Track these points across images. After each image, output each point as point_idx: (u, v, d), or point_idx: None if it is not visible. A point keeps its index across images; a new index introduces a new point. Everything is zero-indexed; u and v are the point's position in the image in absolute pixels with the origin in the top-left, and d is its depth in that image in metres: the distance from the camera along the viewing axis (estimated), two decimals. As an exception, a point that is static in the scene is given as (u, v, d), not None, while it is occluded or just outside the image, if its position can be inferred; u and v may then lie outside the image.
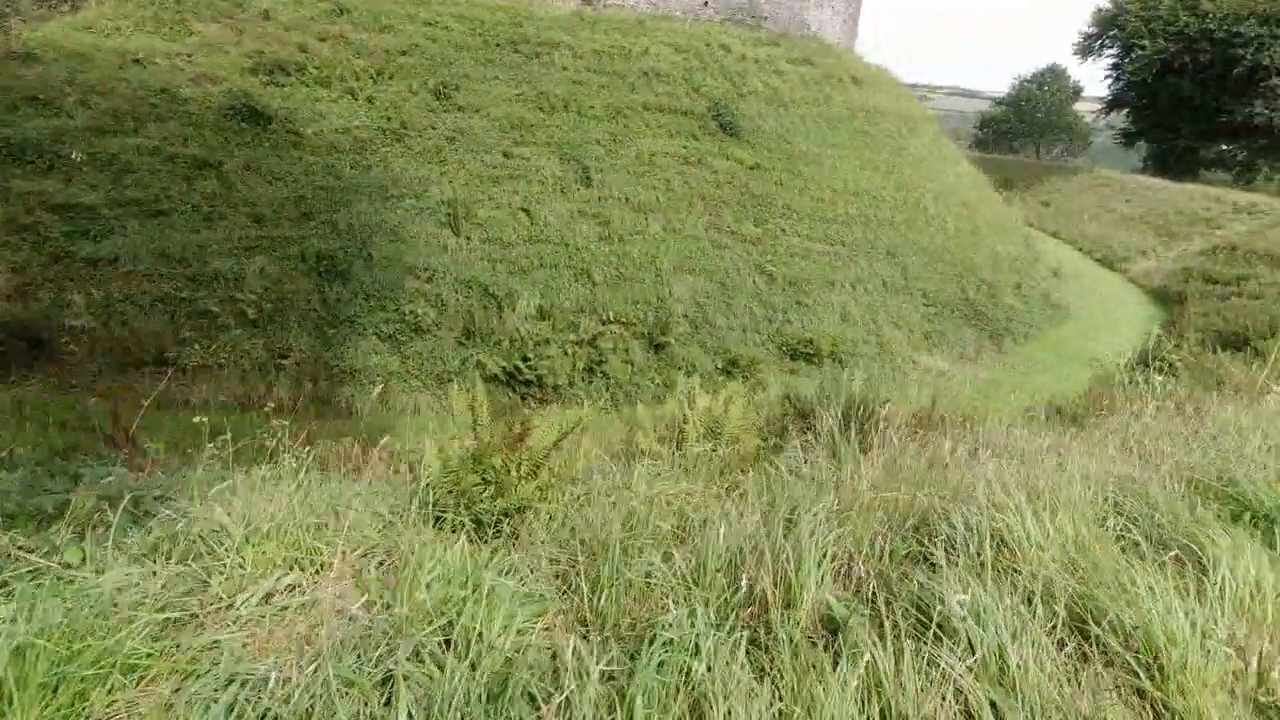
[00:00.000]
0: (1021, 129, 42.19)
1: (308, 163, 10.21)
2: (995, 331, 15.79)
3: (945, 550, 2.17)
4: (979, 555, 2.14)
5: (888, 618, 1.89)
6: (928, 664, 1.79)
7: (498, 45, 12.69)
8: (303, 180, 10.13)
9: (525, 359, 10.20)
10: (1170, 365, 12.76)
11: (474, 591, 1.89)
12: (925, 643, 1.83)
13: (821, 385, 5.31)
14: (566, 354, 10.78)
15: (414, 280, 10.40)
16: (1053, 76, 42.19)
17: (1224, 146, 32.06)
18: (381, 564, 2.13)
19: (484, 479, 2.97)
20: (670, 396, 4.54)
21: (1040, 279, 19.70)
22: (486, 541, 2.61)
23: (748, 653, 1.83)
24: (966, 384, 13.61)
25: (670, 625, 1.83)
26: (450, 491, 2.84)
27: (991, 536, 2.17)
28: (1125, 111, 34.59)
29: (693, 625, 1.84)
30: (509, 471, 2.95)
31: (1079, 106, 42.22)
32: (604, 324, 11.12)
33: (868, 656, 1.76)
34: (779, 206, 13.95)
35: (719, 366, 11.55)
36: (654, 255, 12.11)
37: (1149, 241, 26.85)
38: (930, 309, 14.98)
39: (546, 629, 1.95)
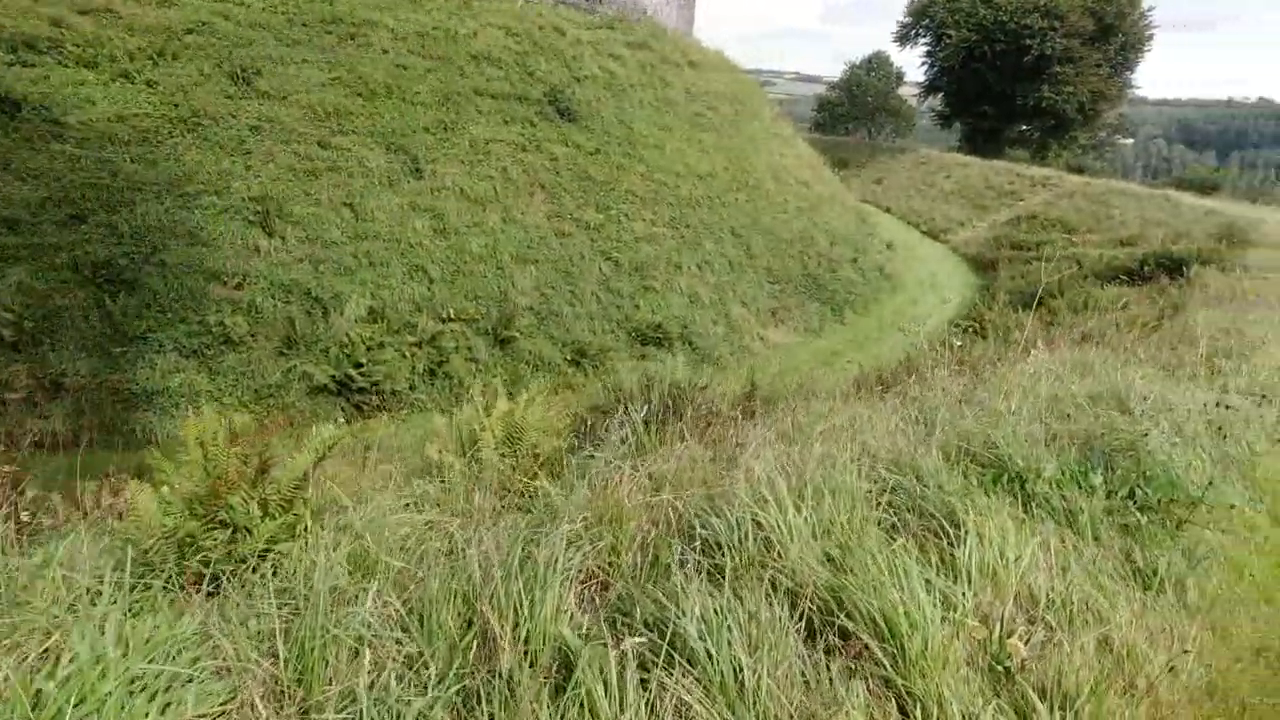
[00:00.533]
0: (854, 112, 44.95)
1: (73, 157, 8.85)
2: (836, 303, 16.65)
3: (703, 554, 2.07)
4: (734, 557, 2.05)
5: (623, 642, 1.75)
6: (660, 690, 1.66)
7: (304, 25, 11.62)
8: (69, 178, 8.78)
9: (358, 365, 9.48)
10: (982, 325, 14.02)
11: (133, 683, 1.54)
12: (659, 667, 1.70)
13: (644, 374, 5.24)
14: (405, 356, 10.14)
15: (221, 287, 9.35)
16: (879, 63, 45.22)
17: (1023, 127, 35.71)
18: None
19: (220, 522, 2.56)
20: (468, 402, 4.24)
21: (876, 252, 21.02)
22: (214, 597, 2.22)
23: (468, 708, 1.61)
24: (810, 355, 14.27)
25: (379, 687, 1.58)
26: (170, 540, 2.41)
27: (754, 533, 2.10)
28: (940, 95, 37.70)
29: (407, 683, 1.60)
30: (249, 511, 2.56)
31: (903, 91, 45.57)
32: (444, 322, 10.57)
33: (593, 692, 1.60)
34: (621, 192, 13.87)
35: (568, 358, 11.33)
36: (494, 247, 11.65)
37: (966, 213, 29.43)
38: (775, 286, 15.52)
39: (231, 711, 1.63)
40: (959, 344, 6.00)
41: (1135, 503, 2.77)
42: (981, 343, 11.16)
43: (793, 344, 14.58)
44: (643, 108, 15.89)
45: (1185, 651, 2.01)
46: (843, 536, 2.16)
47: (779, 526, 2.13)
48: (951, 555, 2.21)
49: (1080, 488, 2.72)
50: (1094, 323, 11.09)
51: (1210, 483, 2.79)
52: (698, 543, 2.15)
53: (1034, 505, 2.65)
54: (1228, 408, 3.96)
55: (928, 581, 2.02)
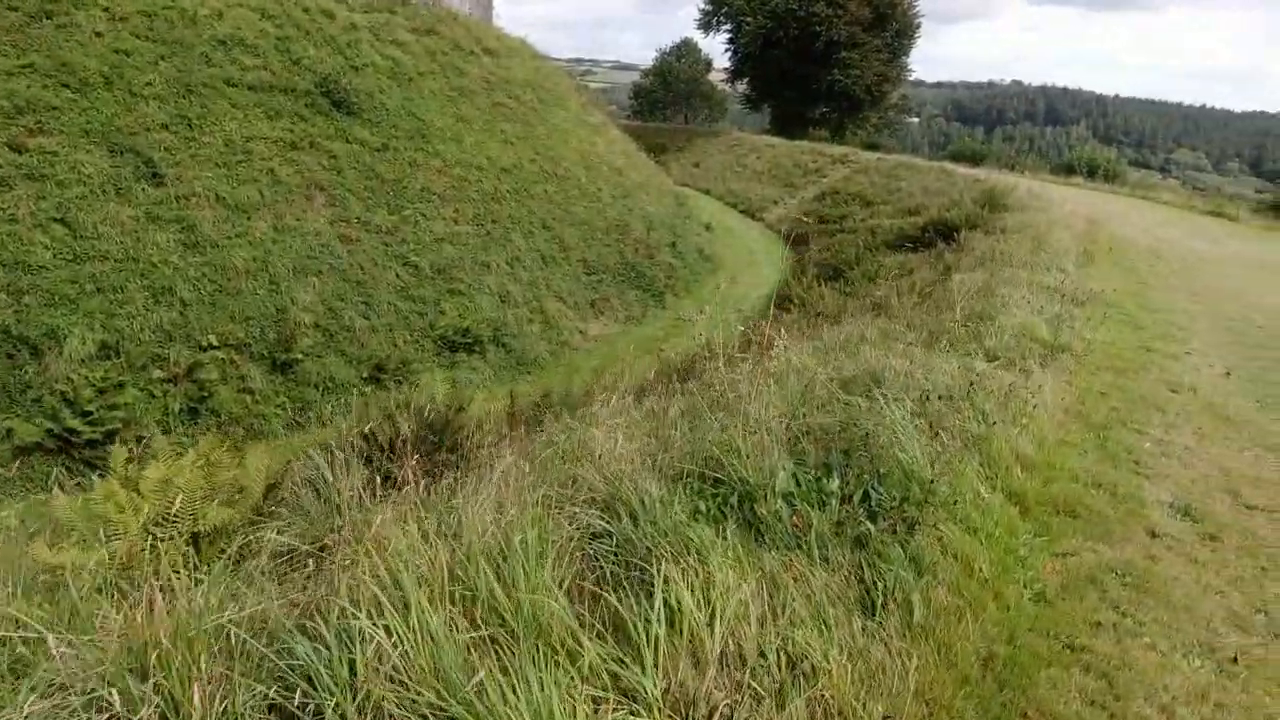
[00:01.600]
0: (669, 98, 45.89)
1: None
2: (656, 289, 16.62)
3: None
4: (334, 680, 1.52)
5: None
6: None
7: (-25, 2, 9.51)
8: None
9: (85, 414, 7.90)
10: (793, 300, 14.53)
11: None
12: None
13: (393, 403, 4.54)
14: (154, 396, 8.64)
15: (-123, 336, 7.41)
16: (687, 50, 46.42)
17: (823, 109, 38.06)
18: None
19: None
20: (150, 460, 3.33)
21: (694, 235, 21.33)
22: None
23: None
24: (632, 344, 14.09)
25: None
26: None
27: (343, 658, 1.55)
28: (746, 81, 39.34)
29: None
30: None
31: (712, 76, 47.13)
32: (203, 350, 9.13)
33: None
34: (415, 190, 12.83)
35: (364, 376, 10.26)
36: (264, 260, 10.27)
37: (778, 192, 30.88)
38: (592, 277, 15.17)
39: None
40: (743, 330, 5.86)
41: (869, 507, 2.57)
42: (786, 317, 11.37)
43: (614, 334, 14.31)
44: (435, 98, 14.83)
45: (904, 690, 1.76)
46: (492, 630, 1.69)
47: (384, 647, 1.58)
48: (647, 622, 1.83)
49: (814, 499, 2.48)
50: (882, 291, 11.73)
51: (939, 472, 2.69)
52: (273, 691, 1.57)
53: (763, 529, 2.35)
54: (973, 380, 4.03)
55: (615, 676, 1.59)
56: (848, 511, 2.53)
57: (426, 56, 15.55)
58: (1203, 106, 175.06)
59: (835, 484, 2.57)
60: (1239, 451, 4.31)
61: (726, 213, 29.21)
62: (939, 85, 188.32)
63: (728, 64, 39.72)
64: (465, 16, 18.84)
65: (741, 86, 40.63)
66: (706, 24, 38.53)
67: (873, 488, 2.64)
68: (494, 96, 16.77)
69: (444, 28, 16.78)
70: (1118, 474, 3.85)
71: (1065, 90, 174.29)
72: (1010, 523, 2.78)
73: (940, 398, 3.53)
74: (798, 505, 2.42)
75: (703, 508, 2.31)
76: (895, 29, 36.77)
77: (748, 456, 2.55)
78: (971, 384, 3.95)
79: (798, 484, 2.50)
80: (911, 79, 43.91)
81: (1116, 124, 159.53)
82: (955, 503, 2.74)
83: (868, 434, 2.93)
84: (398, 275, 11.67)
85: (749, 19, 35.09)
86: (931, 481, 2.65)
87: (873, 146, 34.64)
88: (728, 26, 37.94)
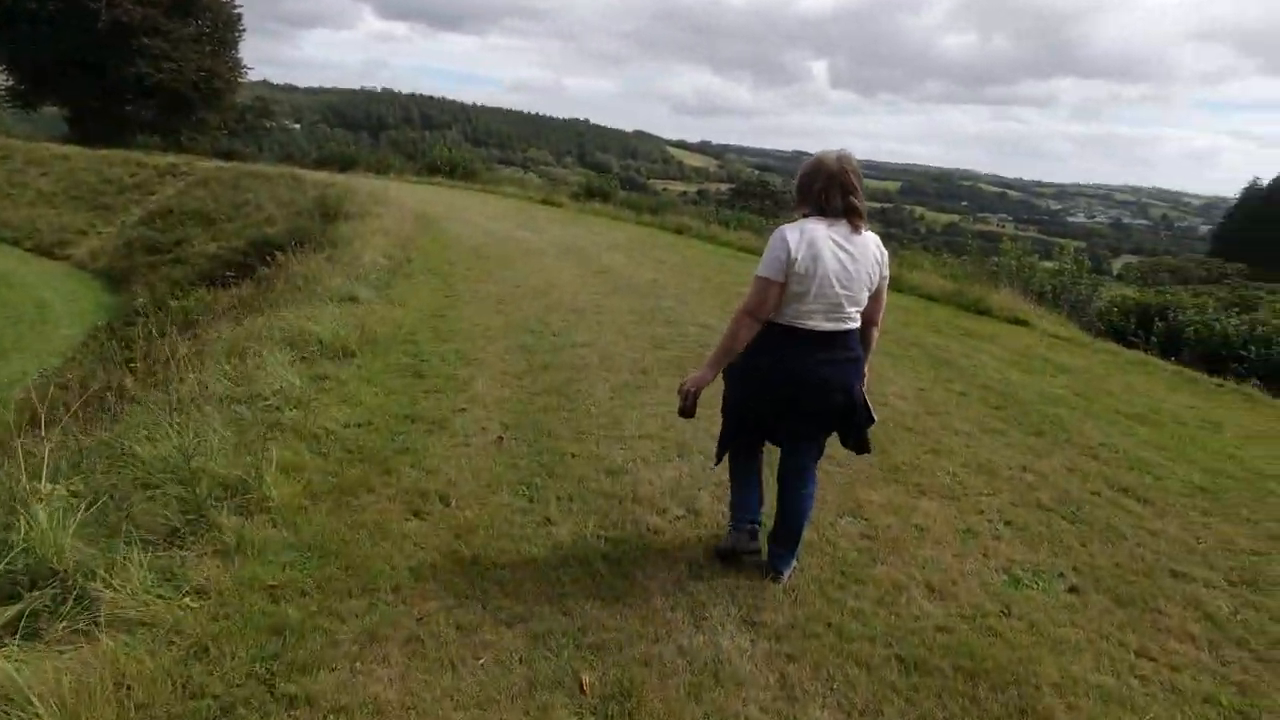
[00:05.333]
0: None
1: None
2: None
3: None
4: None
5: None
6: None
7: None
8: None
9: None
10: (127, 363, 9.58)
11: None
12: None
13: None
14: None
15: None
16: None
17: (139, 108, 30.36)
18: None
19: None
20: None
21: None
22: None
23: None
24: None
25: None
26: None
27: None
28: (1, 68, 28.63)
29: None
30: None
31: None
32: None
33: None
34: None
35: None
36: None
37: (86, 218, 23.18)
38: None
39: None
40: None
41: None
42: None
43: None
44: None
45: None
46: None
47: None
48: None
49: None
50: (185, 348, 8.06)
51: None
52: None
53: None
54: None
55: None
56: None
57: None
58: (538, 114, 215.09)
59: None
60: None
61: (6, 255, 20.49)
62: (315, 90, 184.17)
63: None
64: None
65: None
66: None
67: None
68: None
69: None
70: None
71: (432, 98, 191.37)
72: None
73: None
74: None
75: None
76: (211, 19, 31.57)
77: None
78: None
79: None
80: (279, 82, 39.30)
81: (481, 128, 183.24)
82: None
83: None
84: None
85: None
86: None
87: (228, 154, 29.25)
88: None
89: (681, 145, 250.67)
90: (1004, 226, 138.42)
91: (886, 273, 2.86)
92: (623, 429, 4.60)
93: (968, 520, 3.76)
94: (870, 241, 2.77)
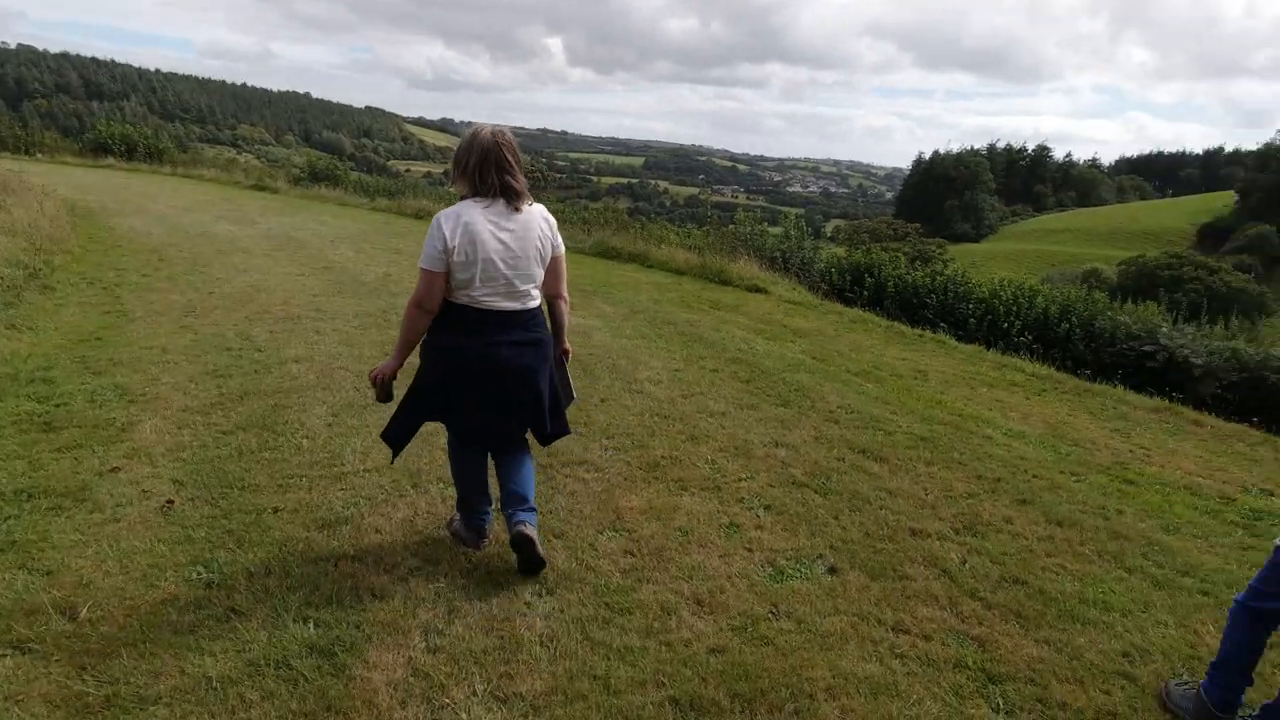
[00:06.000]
0: None
1: None
2: None
3: None
4: None
5: None
6: None
7: None
8: None
9: None
10: None
11: None
12: None
13: None
14: None
15: None
16: None
17: None
18: None
19: None
20: None
21: None
22: None
23: None
24: None
25: None
26: None
27: None
28: None
29: None
30: None
31: None
32: None
33: None
34: None
35: None
36: None
37: None
38: None
39: None
40: None
41: None
42: None
43: None
44: None
45: None
46: None
47: None
48: None
49: None
50: None
51: None
52: None
53: None
54: None
55: None
56: None
57: None
58: (246, 85, 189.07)
59: None
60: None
61: None
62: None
63: None
64: None
65: None
66: None
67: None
68: None
69: None
70: None
71: (100, 61, 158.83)
72: None
73: None
74: None
75: None
76: None
77: None
78: None
79: None
80: None
81: (171, 99, 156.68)
82: None
83: None
84: None
85: None
86: None
87: None
88: None
89: (421, 123, 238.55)
90: (737, 197, 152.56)
91: (560, 244, 2.85)
92: (343, 464, 3.80)
93: (730, 512, 3.62)
94: (535, 216, 2.74)
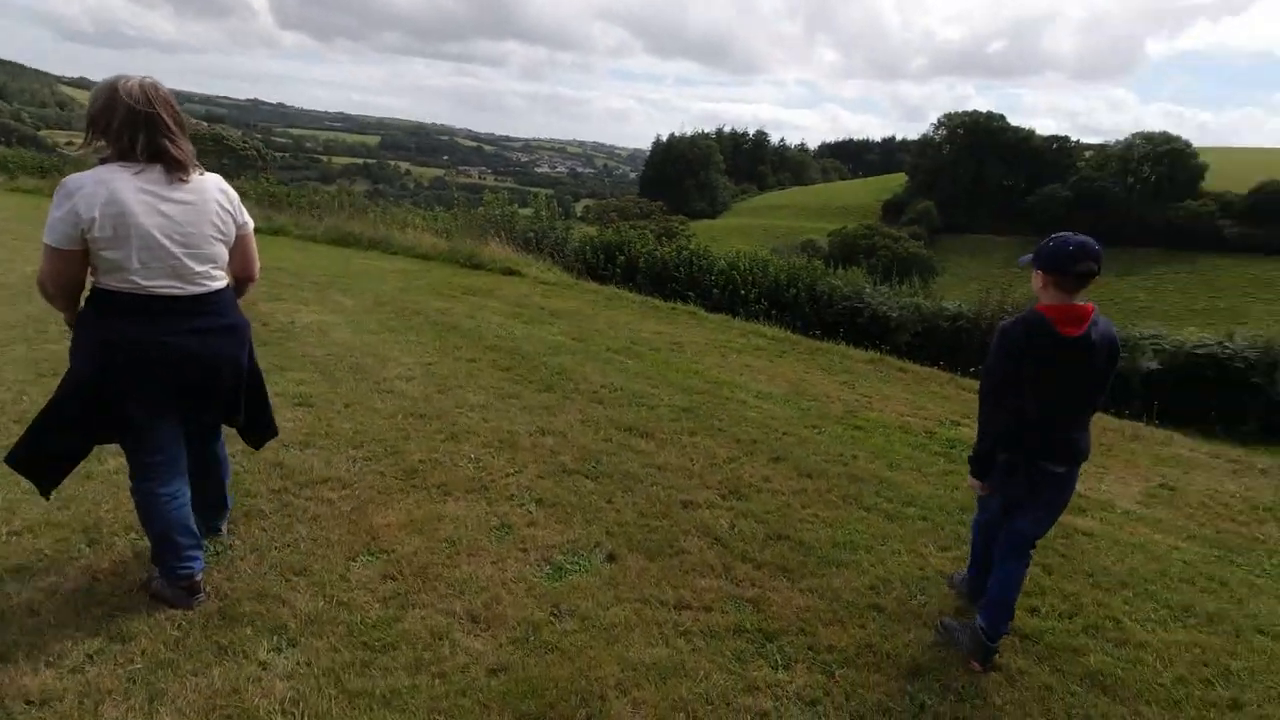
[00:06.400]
0: None
1: None
2: None
3: None
4: None
5: None
6: None
7: None
8: None
9: None
10: None
11: None
12: None
13: None
14: None
15: None
16: None
17: None
18: None
19: None
20: None
21: None
22: None
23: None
24: None
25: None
26: None
27: None
28: None
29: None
30: None
31: None
32: None
33: None
34: None
35: None
36: None
37: None
38: None
39: None
40: None
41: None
42: None
43: None
44: None
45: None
46: None
47: None
48: None
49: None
50: None
51: None
52: None
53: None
54: None
55: None
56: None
57: None
58: None
59: None
60: None
61: None
62: None
63: None
64: None
65: None
66: None
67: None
68: None
69: None
70: None
71: None
72: None
73: None
74: None
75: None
76: None
77: None
78: None
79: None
80: None
81: None
82: None
83: None
84: None
85: None
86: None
87: None
88: None
89: (83, 85, 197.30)
90: (484, 178, 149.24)
91: (245, 219, 2.50)
92: (-22, 528, 2.85)
93: (500, 512, 3.36)
94: (209, 186, 2.36)
